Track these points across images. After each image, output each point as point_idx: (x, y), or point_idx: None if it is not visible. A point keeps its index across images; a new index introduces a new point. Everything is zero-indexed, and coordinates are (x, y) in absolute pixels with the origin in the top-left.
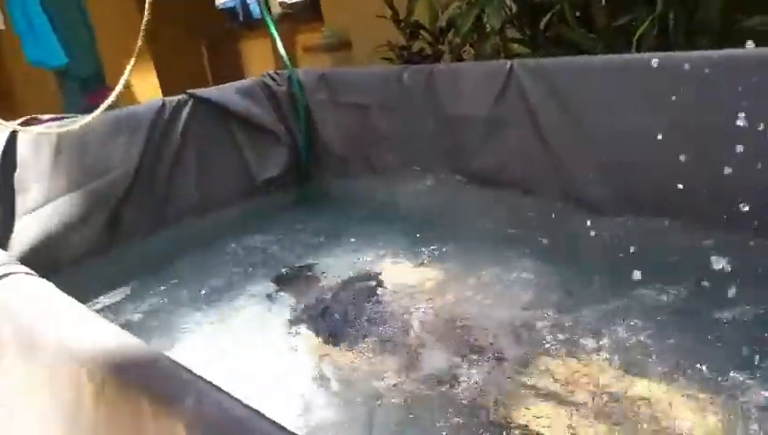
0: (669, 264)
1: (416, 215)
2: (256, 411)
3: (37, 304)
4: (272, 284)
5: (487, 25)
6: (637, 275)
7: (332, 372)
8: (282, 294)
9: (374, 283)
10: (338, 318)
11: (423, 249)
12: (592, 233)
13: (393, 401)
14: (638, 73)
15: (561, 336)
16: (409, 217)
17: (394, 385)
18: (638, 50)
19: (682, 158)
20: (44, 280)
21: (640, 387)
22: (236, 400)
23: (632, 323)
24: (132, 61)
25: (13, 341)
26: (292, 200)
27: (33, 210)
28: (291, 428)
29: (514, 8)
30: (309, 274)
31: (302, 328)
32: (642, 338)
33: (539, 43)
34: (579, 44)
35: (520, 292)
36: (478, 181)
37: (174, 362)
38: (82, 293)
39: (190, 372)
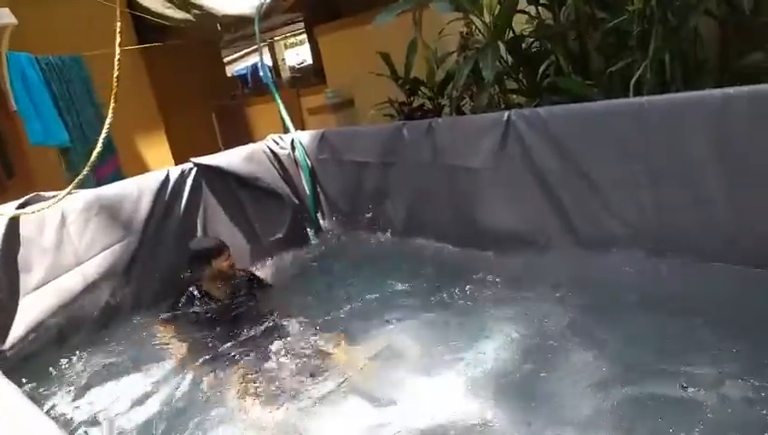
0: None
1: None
2: None
3: None
4: None
5: (484, 78)
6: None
7: None
8: None
9: None
10: None
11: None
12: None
13: None
14: (632, 117)
15: None
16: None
17: None
18: (636, 94)
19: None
20: None
21: None
22: None
23: None
24: (103, 134)
25: None
26: (298, 257)
27: (37, 288)
28: None
29: (510, 60)
30: None
31: None
32: None
33: (536, 92)
34: (575, 92)
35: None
36: (481, 234)
37: None
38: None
39: None
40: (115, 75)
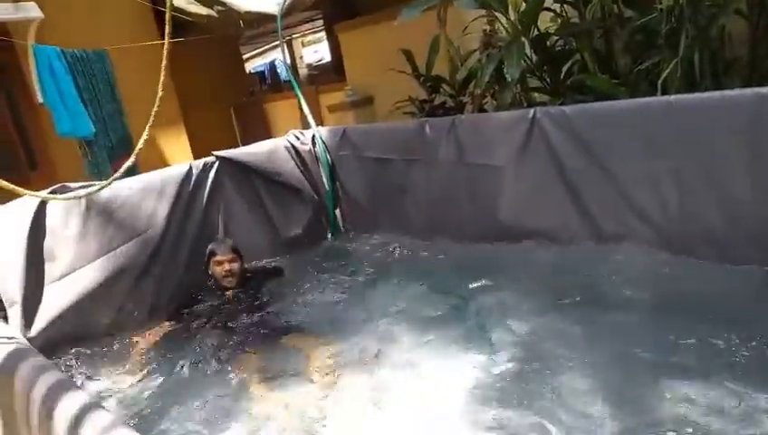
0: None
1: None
2: None
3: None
4: None
5: (507, 76)
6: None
7: None
8: None
9: None
10: None
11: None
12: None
13: None
14: (660, 115)
15: None
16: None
17: None
18: (664, 93)
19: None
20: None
21: None
22: None
23: None
24: (150, 120)
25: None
26: (318, 254)
27: (61, 278)
28: None
29: (535, 58)
30: None
31: None
32: None
33: (560, 90)
34: (601, 90)
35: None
36: (504, 232)
37: None
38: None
39: None
40: (163, 64)
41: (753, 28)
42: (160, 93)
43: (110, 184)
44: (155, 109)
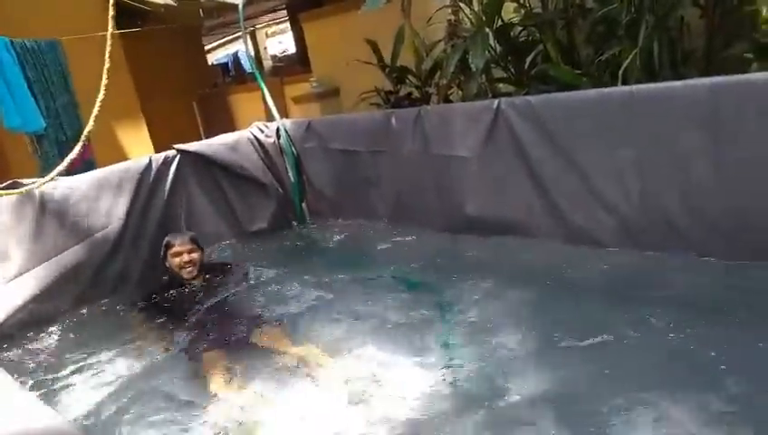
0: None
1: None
2: None
3: None
4: None
5: (472, 66)
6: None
7: None
8: None
9: None
10: None
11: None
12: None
13: None
14: (622, 105)
15: None
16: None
17: None
18: (624, 83)
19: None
20: None
21: None
22: None
23: None
24: (95, 109)
25: None
26: (284, 247)
27: (15, 278)
28: None
29: (499, 49)
30: None
31: None
32: None
33: (524, 81)
34: (564, 81)
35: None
36: (470, 222)
37: None
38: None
39: None
40: (107, 50)
41: (710, 19)
42: (105, 81)
43: (52, 179)
44: (100, 97)
